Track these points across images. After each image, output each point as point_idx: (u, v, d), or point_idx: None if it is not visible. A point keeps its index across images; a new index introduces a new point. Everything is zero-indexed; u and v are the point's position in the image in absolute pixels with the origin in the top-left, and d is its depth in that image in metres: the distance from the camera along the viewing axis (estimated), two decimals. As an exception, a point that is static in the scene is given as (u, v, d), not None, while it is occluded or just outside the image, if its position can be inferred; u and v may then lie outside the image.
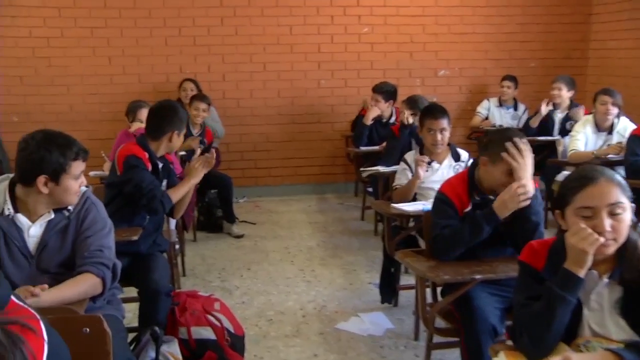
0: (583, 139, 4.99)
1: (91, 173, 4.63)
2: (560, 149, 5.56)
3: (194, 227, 5.44)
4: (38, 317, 1.38)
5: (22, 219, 2.30)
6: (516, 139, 2.55)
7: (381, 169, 4.41)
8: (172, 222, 4.46)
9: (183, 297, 3.14)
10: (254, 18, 6.71)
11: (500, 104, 6.64)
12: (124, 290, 2.80)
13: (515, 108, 6.64)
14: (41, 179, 2.23)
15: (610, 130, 5.00)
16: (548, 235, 2.28)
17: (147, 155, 3.25)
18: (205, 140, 5.53)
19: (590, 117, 5.12)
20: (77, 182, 2.31)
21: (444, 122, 3.68)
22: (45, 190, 2.24)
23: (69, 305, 2.11)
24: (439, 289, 2.81)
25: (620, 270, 1.78)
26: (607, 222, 1.74)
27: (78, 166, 2.30)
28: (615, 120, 4.99)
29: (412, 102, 4.79)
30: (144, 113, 4.38)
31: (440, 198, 2.73)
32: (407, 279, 4.01)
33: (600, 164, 3.95)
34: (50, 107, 6.57)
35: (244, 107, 6.88)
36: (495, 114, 6.61)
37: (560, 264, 1.79)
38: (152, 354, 2.62)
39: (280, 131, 6.99)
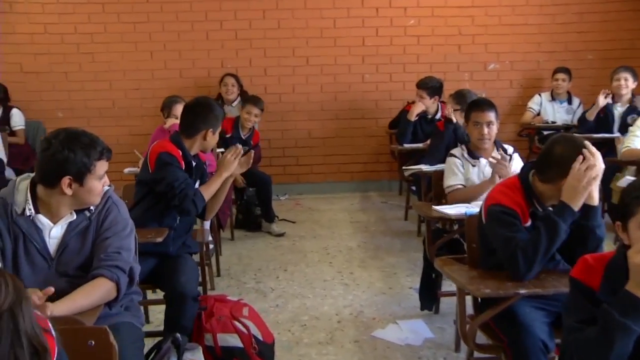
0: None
1: (126, 170, 4.58)
2: (620, 147, 5.18)
3: (231, 225, 5.33)
4: (53, 332, 1.35)
5: (43, 219, 2.21)
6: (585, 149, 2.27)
7: (424, 167, 4.19)
8: (207, 221, 4.37)
9: (211, 302, 3.01)
10: (296, 11, 6.56)
11: (553, 98, 6.28)
12: (144, 295, 2.69)
13: (570, 102, 6.27)
14: (65, 180, 2.13)
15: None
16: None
17: (180, 153, 3.12)
18: (251, 143, 5.45)
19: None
20: (100, 183, 2.23)
21: (491, 115, 3.44)
22: (69, 191, 2.15)
23: (80, 314, 2.00)
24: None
25: None
26: None
27: (102, 166, 2.21)
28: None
29: (459, 97, 4.53)
30: (178, 109, 4.28)
31: (502, 210, 2.34)
32: (449, 285, 3.73)
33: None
34: (93, 102, 6.60)
35: (285, 102, 6.74)
36: (548, 109, 6.26)
37: (620, 285, 1.56)
38: (174, 363, 2.50)
39: (323, 127, 6.82)
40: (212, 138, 3.21)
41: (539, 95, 6.34)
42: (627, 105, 5.47)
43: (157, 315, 3.52)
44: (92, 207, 2.26)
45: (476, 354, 2.61)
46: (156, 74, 6.56)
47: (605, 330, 1.54)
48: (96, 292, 2.13)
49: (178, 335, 2.56)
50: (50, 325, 1.41)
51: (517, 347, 2.16)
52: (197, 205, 3.04)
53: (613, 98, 5.54)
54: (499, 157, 3.29)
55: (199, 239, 3.62)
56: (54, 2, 6.45)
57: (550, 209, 2.32)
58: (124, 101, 6.60)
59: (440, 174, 3.66)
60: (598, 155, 2.26)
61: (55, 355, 1.30)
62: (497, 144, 3.60)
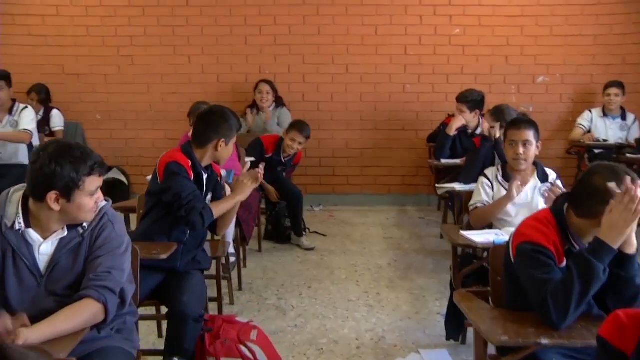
0: None
1: (148, 177, 4.48)
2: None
3: (259, 236, 5.19)
4: None
5: (33, 234, 2.09)
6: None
7: (457, 186, 3.94)
8: (230, 233, 4.23)
9: (219, 323, 2.87)
10: (337, 17, 6.39)
11: (605, 114, 5.91)
12: (157, 309, 2.55)
13: (624, 118, 5.90)
14: (51, 195, 2.01)
15: None
16: None
17: (190, 163, 2.99)
18: (290, 164, 5.35)
19: None
20: (92, 199, 2.08)
21: (529, 134, 3.19)
22: (56, 207, 2.03)
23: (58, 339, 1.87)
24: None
25: None
26: None
27: (93, 182, 2.06)
28: None
29: (497, 113, 4.26)
30: (205, 116, 4.15)
31: (534, 248, 2.08)
32: (479, 315, 3.52)
33: None
34: (131, 105, 6.58)
35: (323, 110, 6.58)
36: (599, 125, 5.89)
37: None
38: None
39: (361, 137, 6.62)
40: (225, 149, 3.06)
41: (589, 111, 5.98)
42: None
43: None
44: (85, 224, 2.13)
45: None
46: (193, 78, 6.51)
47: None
48: (80, 315, 1.99)
49: (176, 359, 2.42)
50: None
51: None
52: (204, 219, 2.88)
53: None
54: (549, 189, 3.05)
55: (218, 252, 3.48)
56: (97, 5, 6.48)
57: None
58: (161, 105, 6.56)
59: (471, 195, 3.42)
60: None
61: None
62: (538, 167, 3.34)
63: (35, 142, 5.45)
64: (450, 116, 5.45)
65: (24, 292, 2.08)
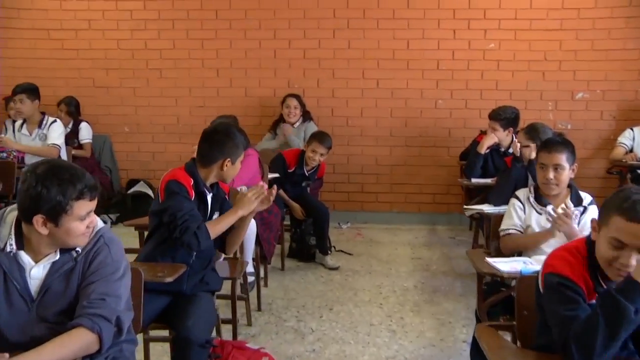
0: None
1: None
2: None
3: (282, 254, 5.05)
4: None
5: (24, 257, 1.99)
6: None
7: (486, 208, 3.74)
8: (249, 252, 4.11)
9: (228, 349, 2.74)
10: (368, 31, 6.25)
11: (648, 132, 5.61)
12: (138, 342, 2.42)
13: (669, 136, 5.58)
14: (38, 219, 1.90)
15: None
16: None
17: (191, 182, 2.85)
18: (314, 177, 5.23)
19: None
20: (82, 224, 1.96)
21: (560, 158, 2.98)
22: (44, 230, 1.92)
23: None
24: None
25: None
26: None
27: (82, 206, 1.93)
28: None
29: (531, 131, 4.04)
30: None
31: (560, 282, 1.88)
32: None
33: None
34: (159, 118, 6.56)
35: (353, 126, 6.43)
36: (643, 144, 5.60)
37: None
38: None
39: (391, 154, 6.44)
40: (231, 168, 2.93)
41: (631, 129, 5.68)
42: None
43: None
44: (78, 248, 2.02)
45: None
46: (221, 91, 6.44)
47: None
48: (70, 345, 1.87)
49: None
50: None
51: None
52: (199, 240, 2.73)
53: None
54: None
55: (235, 273, 3.35)
56: (128, 19, 6.49)
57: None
58: (189, 118, 6.52)
59: (501, 218, 3.21)
60: None
61: None
62: (573, 190, 3.12)
63: (63, 155, 5.46)
64: (483, 133, 5.24)
65: (14, 317, 1.98)
